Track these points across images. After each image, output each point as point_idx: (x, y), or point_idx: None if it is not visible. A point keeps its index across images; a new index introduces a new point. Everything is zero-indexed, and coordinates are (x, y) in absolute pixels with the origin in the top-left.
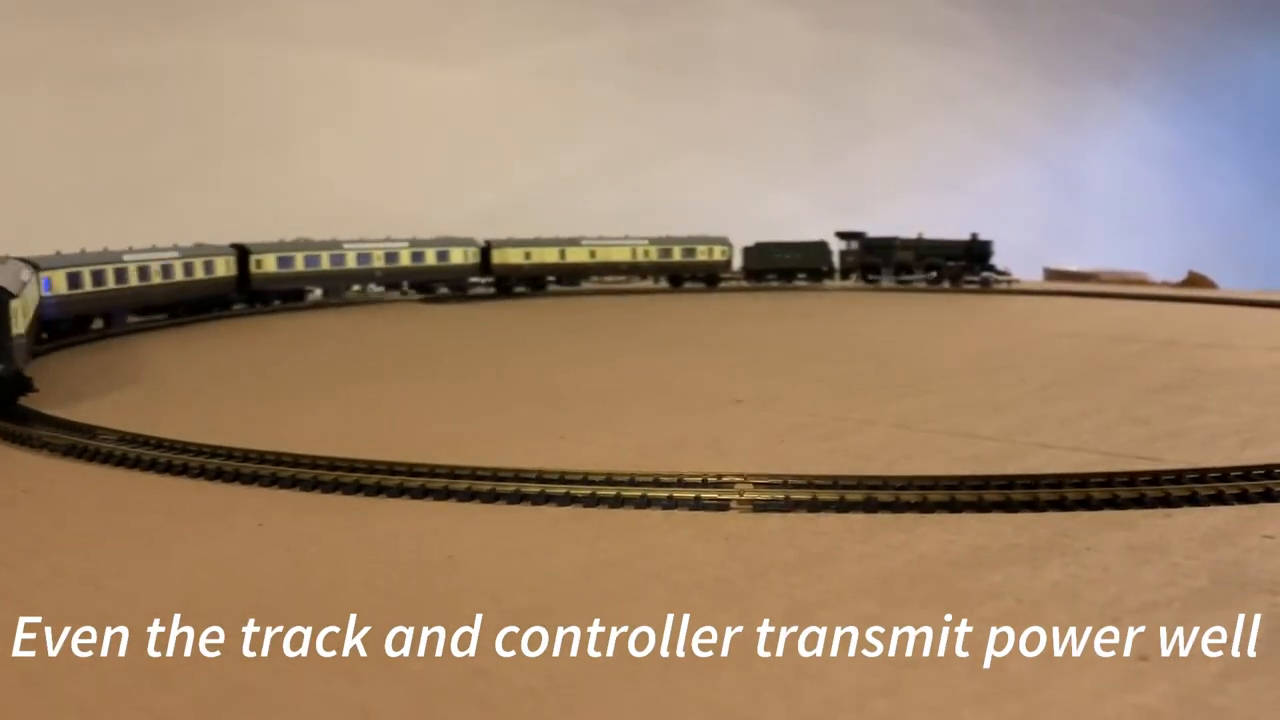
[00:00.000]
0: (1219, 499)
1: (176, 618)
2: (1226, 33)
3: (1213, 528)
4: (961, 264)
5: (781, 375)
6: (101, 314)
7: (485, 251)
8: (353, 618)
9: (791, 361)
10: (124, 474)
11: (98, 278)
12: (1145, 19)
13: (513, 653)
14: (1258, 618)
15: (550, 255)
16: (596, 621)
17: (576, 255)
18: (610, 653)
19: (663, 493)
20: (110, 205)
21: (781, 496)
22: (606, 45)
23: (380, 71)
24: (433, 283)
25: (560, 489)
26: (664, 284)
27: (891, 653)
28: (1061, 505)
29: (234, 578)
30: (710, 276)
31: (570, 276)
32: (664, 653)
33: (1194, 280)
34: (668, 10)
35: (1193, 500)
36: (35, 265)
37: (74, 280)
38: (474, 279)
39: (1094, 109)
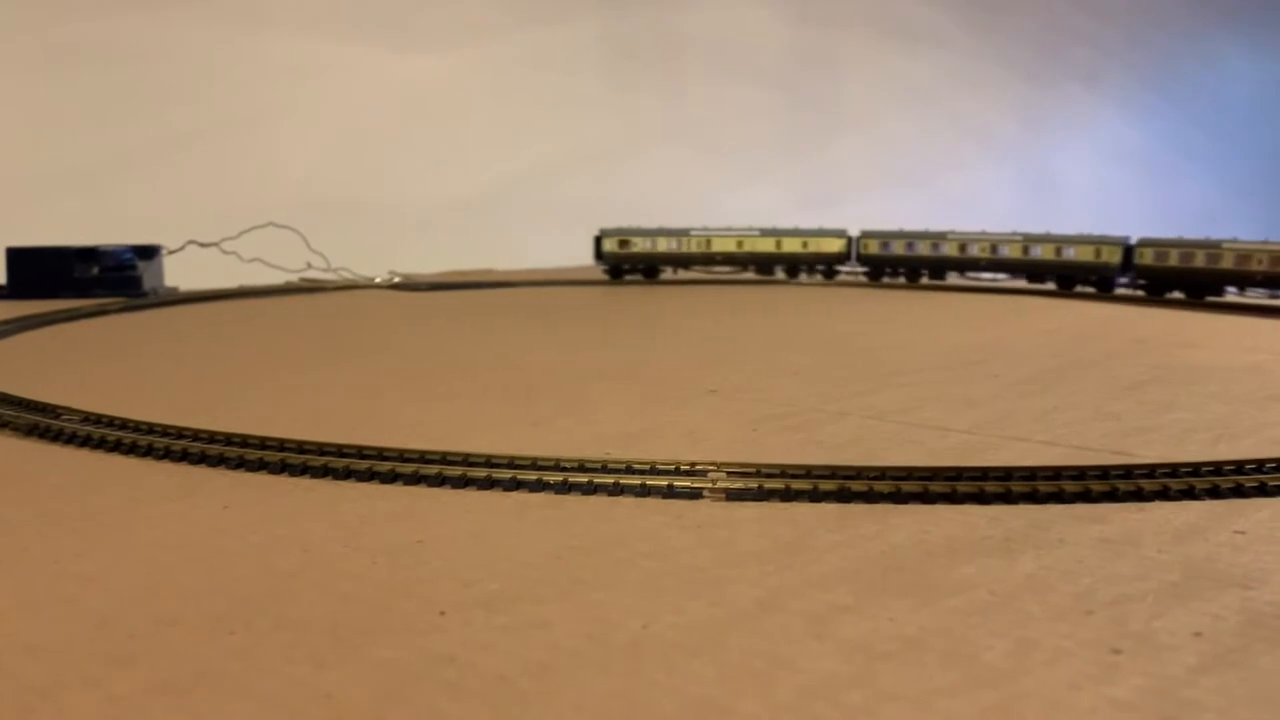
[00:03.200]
0: (1191, 494)
1: (138, 600)
2: (1197, 36)
3: (1185, 522)
4: None
5: (755, 366)
6: None
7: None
8: (320, 602)
9: (766, 353)
10: (87, 454)
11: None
12: (1118, 21)
13: (483, 638)
14: (1230, 612)
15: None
16: (568, 608)
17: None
18: (582, 639)
19: (635, 480)
20: (68, 190)
21: (755, 485)
22: (580, 35)
23: (348, 56)
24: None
25: (532, 475)
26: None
27: (865, 642)
28: (1034, 498)
29: (199, 560)
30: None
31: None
32: (636, 640)
33: None
34: (642, 2)
35: (1165, 495)
36: None
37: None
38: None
39: (1066, 109)
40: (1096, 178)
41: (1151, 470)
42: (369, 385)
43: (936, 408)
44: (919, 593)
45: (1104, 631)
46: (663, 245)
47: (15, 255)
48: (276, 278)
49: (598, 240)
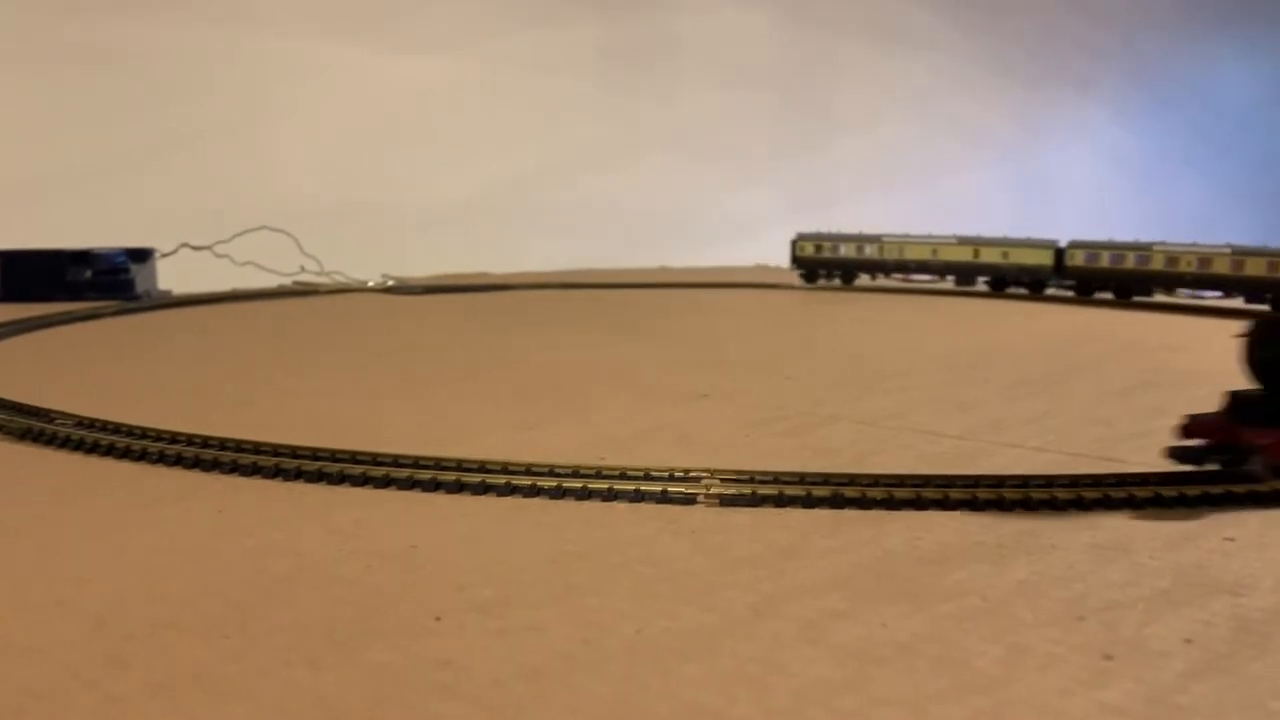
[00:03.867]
0: (1181, 501)
1: (135, 603)
2: (1192, 40)
3: (1176, 529)
4: None
5: (747, 370)
6: None
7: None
8: (315, 606)
9: (758, 357)
10: (81, 459)
11: None
12: (1112, 26)
13: (477, 642)
14: (1220, 618)
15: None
16: (562, 612)
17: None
18: (576, 645)
19: (629, 486)
20: (61, 192)
21: (748, 491)
22: (576, 39)
23: (342, 59)
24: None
25: (526, 480)
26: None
27: (859, 648)
28: (1027, 504)
29: (194, 564)
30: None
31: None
32: (630, 645)
33: None
34: (638, 6)
35: (1156, 502)
36: None
37: None
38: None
39: (1061, 113)
40: (1093, 181)
41: (1143, 478)
42: (362, 389)
43: (929, 412)
44: (912, 598)
45: (1095, 637)
46: (855, 251)
47: (8, 258)
48: (270, 281)
49: (794, 244)
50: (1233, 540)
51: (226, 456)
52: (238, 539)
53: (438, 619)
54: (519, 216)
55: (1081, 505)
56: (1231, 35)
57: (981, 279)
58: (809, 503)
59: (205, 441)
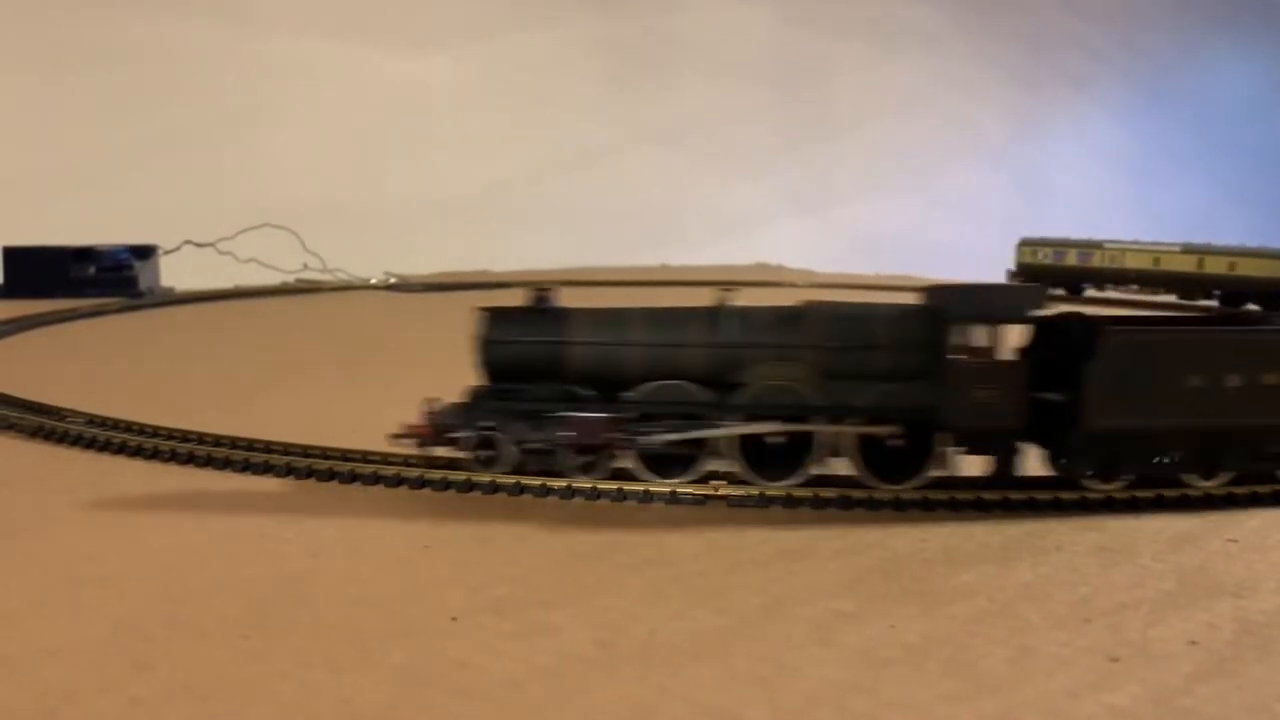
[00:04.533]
0: (1184, 504)
1: (152, 604)
2: (1189, 41)
3: (1179, 532)
4: None
5: None
6: None
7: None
8: (332, 606)
9: None
10: (93, 456)
11: None
12: (1110, 27)
13: (494, 644)
14: (1224, 620)
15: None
16: (576, 613)
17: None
18: (590, 646)
19: (638, 486)
20: (64, 189)
21: (757, 493)
22: (575, 37)
23: (345, 57)
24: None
25: (535, 481)
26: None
27: (868, 649)
28: (1032, 506)
29: (209, 563)
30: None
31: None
32: (644, 646)
33: None
34: (638, 4)
35: (1159, 505)
36: None
37: None
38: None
39: (1058, 113)
40: (1092, 181)
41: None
42: (367, 387)
43: None
44: (920, 600)
45: (1102, 639)
46: (1077, 258)
47: (12, 255)
48: (273, 278)
49: (1018, 249)
50: (1235, 542)
51: (238, 455)
52: (252, 539)
53: (454, 619)
54: (519, 215)
55: (1086, 507)
56: (1231, 35)
57: (1215, 292)
58: (817, 504)
59: (216, 440)
